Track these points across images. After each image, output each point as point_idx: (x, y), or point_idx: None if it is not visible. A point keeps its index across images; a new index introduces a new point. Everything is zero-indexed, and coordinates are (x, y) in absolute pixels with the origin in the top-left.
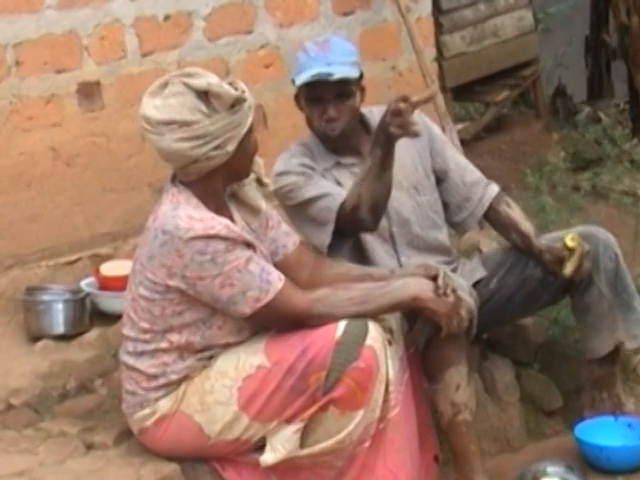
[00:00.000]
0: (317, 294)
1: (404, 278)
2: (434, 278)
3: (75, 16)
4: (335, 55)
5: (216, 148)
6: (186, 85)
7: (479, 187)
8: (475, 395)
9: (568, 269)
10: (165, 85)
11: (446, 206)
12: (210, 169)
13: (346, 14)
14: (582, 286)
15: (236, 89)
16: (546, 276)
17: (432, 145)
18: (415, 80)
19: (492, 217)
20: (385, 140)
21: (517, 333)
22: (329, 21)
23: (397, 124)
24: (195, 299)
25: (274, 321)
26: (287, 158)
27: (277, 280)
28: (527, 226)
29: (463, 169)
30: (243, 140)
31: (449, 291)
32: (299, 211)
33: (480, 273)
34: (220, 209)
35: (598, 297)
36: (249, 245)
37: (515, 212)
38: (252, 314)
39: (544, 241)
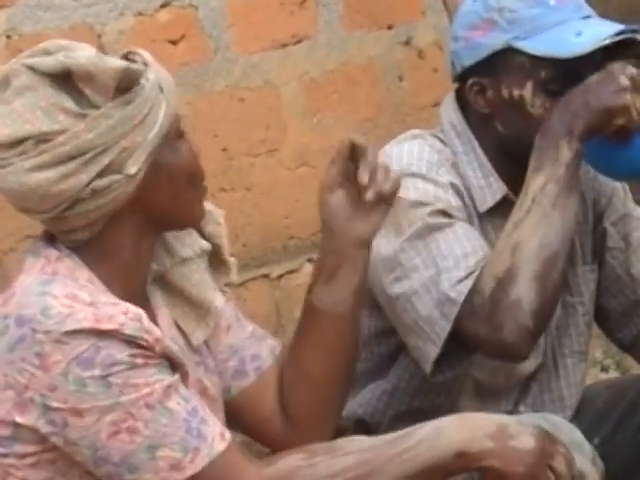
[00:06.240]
0: (281, 466)
1: (437, 420)
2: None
3: None
4: (585, 4)
5: (105, 172)
6: (33, 70)
7: None
8: None
9: None
10: (6, 81)
11: (603, 313)
12: (107, 216)
13: None
14: None
15: (134, 61)
16: None
17: (607, 197)
18: (446, 65)
19: None
20: (584, 125)
21: None
22: None
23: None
24: (65, 456)
25: None
26: (430, 161)
27: (217, 437)
28: None
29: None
30: (159, 150)
31: None
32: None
33: None
34: (133, 299)
35: None
36: (176, 365)
37: None
38: None
39: None
